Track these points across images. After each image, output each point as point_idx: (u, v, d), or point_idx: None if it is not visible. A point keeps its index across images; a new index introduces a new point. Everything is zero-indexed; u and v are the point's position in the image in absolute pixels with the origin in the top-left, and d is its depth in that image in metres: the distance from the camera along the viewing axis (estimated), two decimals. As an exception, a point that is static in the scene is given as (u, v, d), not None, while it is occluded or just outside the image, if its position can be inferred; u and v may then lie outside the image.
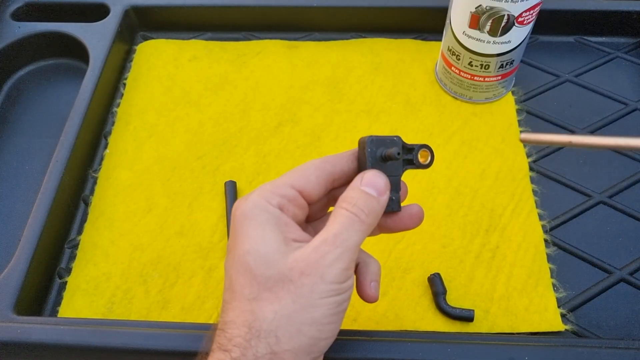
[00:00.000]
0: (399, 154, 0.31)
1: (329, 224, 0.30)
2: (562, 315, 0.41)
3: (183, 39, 0.62)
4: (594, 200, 0.48)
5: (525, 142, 0.29)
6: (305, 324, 0.28)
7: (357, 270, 0.33)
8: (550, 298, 0.42)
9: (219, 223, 0.47)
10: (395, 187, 0.32)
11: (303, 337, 0.28)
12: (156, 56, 0.60)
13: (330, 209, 0.35)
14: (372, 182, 0.31)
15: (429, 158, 0.33)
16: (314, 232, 0.33)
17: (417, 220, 0.34)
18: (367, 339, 0.36)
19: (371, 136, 0.32)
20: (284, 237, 0.29)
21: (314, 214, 0.34)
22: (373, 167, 0.31)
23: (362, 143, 0.32)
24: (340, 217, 0.29)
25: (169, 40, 0.61)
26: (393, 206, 0.32)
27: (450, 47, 0.52)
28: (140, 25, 0.62)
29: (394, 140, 0.32)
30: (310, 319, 0.28)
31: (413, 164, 0.33)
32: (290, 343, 0.27)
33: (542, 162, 0.50)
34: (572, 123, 0.53)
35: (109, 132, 0.53)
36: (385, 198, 0.31)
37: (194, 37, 0.62)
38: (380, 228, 0.34)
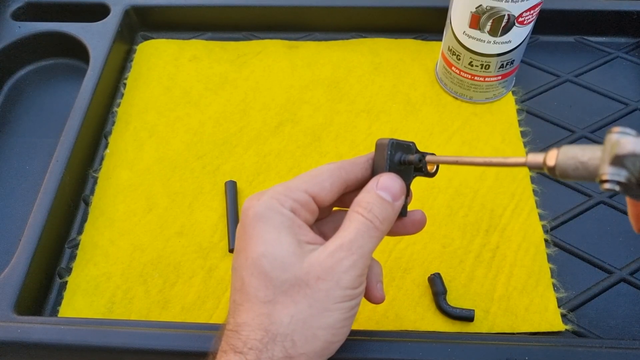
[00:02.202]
0: (420, 160, 0.31)
1: (344, 228, 0.30)
2: (563, 315, 0.41)
3: (183, 39, 0.62)
4: (594, 200, 0.48)
5: (429, 162, 0.31)
6: (321, 328, 0.28)
7: None
8: (551, 298, 0.42)
9: (219, 223, 0.47)
10: (406, 193, 0.33)
11: (318, 341, 0.28)
12: (156, 56, 0.60)
13: (335, 208, 0.35)
14: (388, 186, 0.31)
15: (435, 167, 0.33)
16: (318, 232, 0.33)
17: (419, 226, 0.34)
18: (367, 339, 0.36)
19: (392, 139, 0.31)
20: (298, 240, 0.29)
21: (319, 215, 0.34)
22: (390, 170, 0.31)
23: (382, 145, 0.32)
24: (355, 222, 0.29)
25: (169, 40, 0.61)
26: (401, 211, 0.32)
27: (450, 47, 0.52)
28: (141, 25, 0.62)
29: (410, 146, 0.32)
30: (326, 323, 0.28)
31: (422, 171, 0.33)
32: (306, 347, 0.28)
33: (542, 162, 0.50)
34: (572, 123, 0.53)
35: (109, 132, 0.53)
36: (399, 203, 0.31)
37: (194, 37, 0.62)
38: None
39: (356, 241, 0.29)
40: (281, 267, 0.28)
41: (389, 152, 0.31)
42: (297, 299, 0.28)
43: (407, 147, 0.32)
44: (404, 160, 0.32)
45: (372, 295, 0.33)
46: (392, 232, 0.33)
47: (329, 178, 0.31)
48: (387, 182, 0.31)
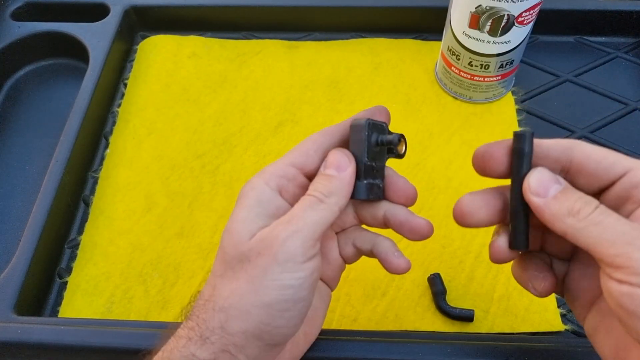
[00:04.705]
0: (399, 140, 0.31)
1: (290, 209, 0.29)
2: (562, 315, 0.41)
3: (183, 38, 0.62)
4: (594, 200, 0.48)
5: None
6: (255, 306, 0.27)
7: (373, 253, 0.33)
8: (551, 298, 0.42)
9: (219, 223, 0.47)
10: (381, 174, 0.32)
11: (251, 319, 0.27)
12: (155, 53, 0.60)
13: (363, 226, 0.35)
14: (333, 162, 0.30)
15: (404, 147, 0.32)
16: (354, 248, 0.34)
17: (418, 236, 0.33)
18: (367, 339, 0.36)
19: (368, 119, 0.31)
20: (269, 221, 0.29)
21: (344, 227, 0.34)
22: (369, 152, 0.31)
23: (358, 127, 0.31)
24: (300, 201, 0.29)
25: (167, 36, 0.61)
26: (379, 194, 0.32)
27: (450, 47, 0.52)
28: (140, 25, 0.62)
29: (383, 126, 0.32)
30: (260, 302, 0.27)
31: (393, 152, 0.32)
32: (239, 324, 0.27)
33: (542, 162, 0.50)
34: (572, 123, 0.53)
35: (109, 132, 0.53)
36: (348, 171, 0.30)
37: (194, 37, 0.62)
38: (386, 223, 0.33)
39: (297, 214, 0.28)
40: (233, 243, 0.28)
41: (366, 133, 0.30)
42: (239, 275, 0.28)
43: (381, 127, 0.32)
44: (382, 141, 0.31)
45: (392, 264, 0.32)
46: (393, 228, 0.33)
47: (312, 146, 0.31)
48: (332, 159, 0.30)
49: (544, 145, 0.28)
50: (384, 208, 0.33)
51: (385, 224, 0.33)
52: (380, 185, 0.32)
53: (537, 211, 0.27)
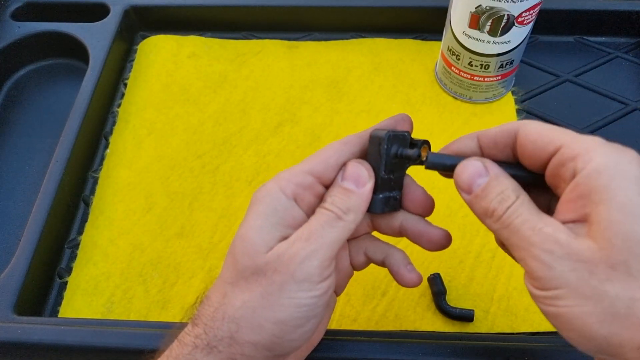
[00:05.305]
0: (419, 155, 0.30)
1: (307, 222, 0.29)
2: (562, 315, 0.41)
3: (183, 38, 0.62)
4: (593, 200, 0.48)
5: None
6: (269, 321, 0.27)
7: (384, 264, 0.33)
8: (550, 298, 0.42)
9: (219, 223, 0.47)
10: (399, 185, 0.31)
11: (264, 333, 0.27)
12: (155, 52, 0.60)
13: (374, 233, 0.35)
14: (352, 174, 0.29)
15: (428, 154, 0.31)
16: (366, 256, 0.34)
17: (436, 247, 0.32)
18: (367, 339, 0.36)
19: (389, 132, 0.30)
20: (285, 229, 0.28)
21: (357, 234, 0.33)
22: (387, 166, 0.30)
23: (377, 139, 0.30)
24: (317, 215, 0.29)
25: (167, 36, 0.61)
26: (395, 205, 0.32)
27: (450, 47, 0.52)
28: (140, 25, 0.62)
29: (405, 137, 0.31)
30: (274, 317, 0.27)
31: (415, 161, 0.31)
32: (251, 335, 0.27)
33: (542, 162, 0.50)
34: (572, 123, 0.53)
35: (109, 132, 0.53)
36: (367, 188, 0.29)
37: (194, 37, 0.62)
38: (402, 233, 0.33)
39: (316, 231, 0.28)
40: (248, 253, 0.28)
41: (385, 147, 0.29)
42: (253, 288, 0.27)
43: (403, 137, 0.31)
44: (402, 155, 0.30)
45: (403, 277, 0.32)
46: (409, 238, 0.32)
47: (333, 155, 0.30)
48: (351, 171, 0.29)
49: (491, 134, 0.29)
50: (400, 218, 0.32)
51: (401, 233, 0.33)
52: (397, 197, 0.31)
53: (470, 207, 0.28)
